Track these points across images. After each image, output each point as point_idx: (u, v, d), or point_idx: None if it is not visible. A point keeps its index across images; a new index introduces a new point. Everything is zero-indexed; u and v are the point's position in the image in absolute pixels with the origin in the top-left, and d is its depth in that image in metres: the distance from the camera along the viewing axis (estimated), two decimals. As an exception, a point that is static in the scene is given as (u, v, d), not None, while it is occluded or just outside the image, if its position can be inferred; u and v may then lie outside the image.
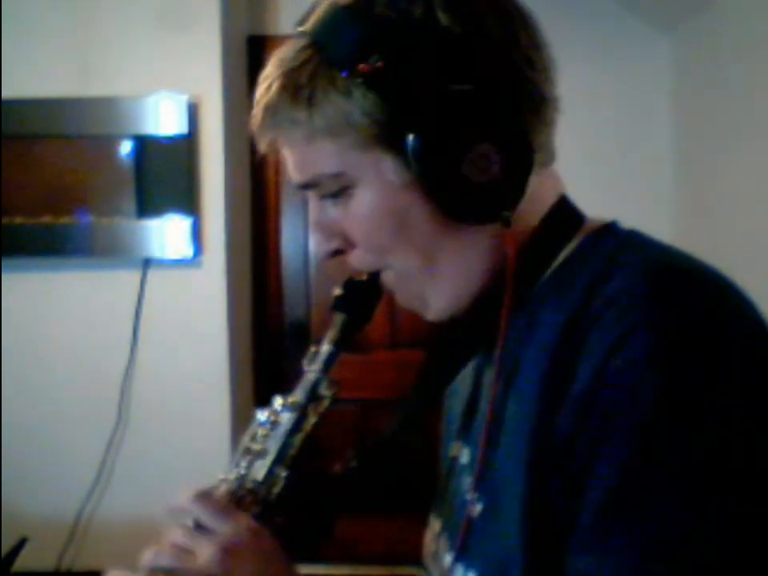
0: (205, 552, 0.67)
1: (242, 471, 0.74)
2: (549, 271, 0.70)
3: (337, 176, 0.69)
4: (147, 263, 2.56)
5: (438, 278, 0.71)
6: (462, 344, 0.77)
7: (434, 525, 0.81)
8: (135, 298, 2.56)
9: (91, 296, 2.60)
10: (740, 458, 0.55)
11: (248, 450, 0.74)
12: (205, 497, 0.71)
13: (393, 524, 3.02)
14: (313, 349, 0.76)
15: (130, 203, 2.52)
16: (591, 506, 0.57)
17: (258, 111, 0.72)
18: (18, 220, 2.53)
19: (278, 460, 0.73)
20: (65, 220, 2.53)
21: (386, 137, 0.66)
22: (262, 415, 0.75)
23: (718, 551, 0.53)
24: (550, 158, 0.72)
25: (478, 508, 0.67)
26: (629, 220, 0.75)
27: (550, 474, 0.59)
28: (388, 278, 0.74)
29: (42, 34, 2.55)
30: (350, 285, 0.77)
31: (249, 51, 2.96)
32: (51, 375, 2.61)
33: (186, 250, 2.54)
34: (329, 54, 0.67)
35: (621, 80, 2.90)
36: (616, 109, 2.89)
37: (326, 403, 0.75)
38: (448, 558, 0.71)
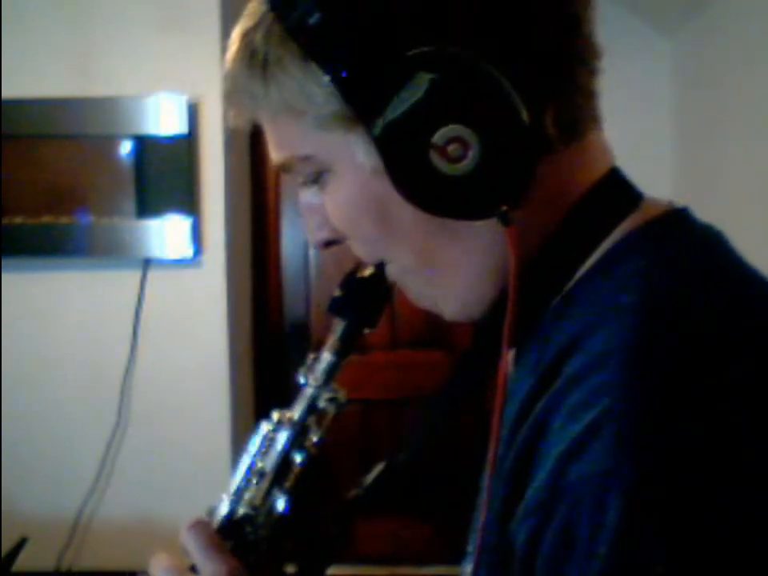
0: None
1: (240, 493, 0.68)
2: (578, 276, 0.58)
3: (307, 159, 0.59)
4: (147, 263, 2.56)
5: (439, 280, 0.61)
6: (485, 354, 0.66)
7: (469, 546, 0.70)
8: (135, 298, 2.56)
9: (91, 296, 2.61)
10: None
11: (250, 467, 0.69)
12: (196, 528, 0.65)
13: (393, 524, 3.02)
14: (311, 356, 0.68)
15: (129, 203, 2.52)
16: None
17: (225, 83, 0.61)
18: (18, 220, 2.53)
19: (276, 482, 0.67)
20: (65, 220, 2.53)
21: (347, 116, 0.55)
22: (264, 428, 0.69)
23: None
24: (582, 132, 0.59)
25: (468, 570, 0.60)
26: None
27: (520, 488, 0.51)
28: (392, 274, 0.64)
29: (43, 34, 2.55)
30: (351, 284, 0.66)
31: (249, 51, 2.95)
32: (51, 375, 2.61)
33: (186, 250, 2.54)
34: (283, 15, 0.55)
35: (621, 80, 2.90)
36: (616, 109, 2.89)
37: (329, 417, 0.68)
38: (468, 569, 0.65)
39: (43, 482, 2.62)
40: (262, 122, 0.61)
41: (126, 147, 2.52)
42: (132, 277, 2.56)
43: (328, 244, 0.64)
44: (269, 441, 0.68)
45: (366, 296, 0.66)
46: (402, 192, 0.55)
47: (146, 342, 2.59)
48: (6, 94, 2.50)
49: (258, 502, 0.67)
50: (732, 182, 2.44)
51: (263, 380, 3.00)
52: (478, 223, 0.56)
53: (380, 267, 0.64)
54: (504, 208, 0.54)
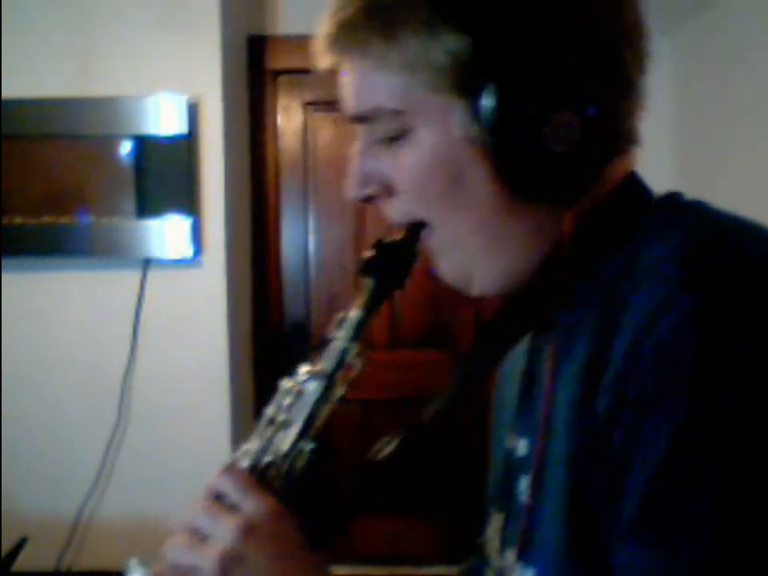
0: (224, 530, 0.64)
1: (266, 443, 0.69)
2: (617, 253, 0.64)
3: (396, 113, 0.63)
4: (147, 263, 2.56)
5: (486, 251, 0.65)
6: (514, 324, 0.70)
7: (496, 519, 0.75)
8: (135, 298, 2.56)
9: (91, 296, 2.61)
10: None
11: (272, 421, 0.69)
12: (231, 470, 0.68)
13: (393, 524, 3.02)
14: (340, 315, 0.70)
15: (129, 203, 2.52)
16: (632, 496, 0.53)
17: (329, 26, 0.64)
18: (18, 220, 2.53)
19: (304, 431, 0.68)
20: (65, 220, 2.53)
21: (463, 82, 0.60)
22: (286, 384, 0.70)
23: (757, 551, 0.50)
24: (631, 145, 0.66)
25: (534, 505, 0.64)
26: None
27: (590, 465, 0.56)
28: (432, 241, 0.68)
29: (42, 34, 2.55)
30: (383, 246, 0.70)
31: (249, 51, 2.96)
32: (51, 375, 2.61)
33: (185, 250, 2.54)
34: None
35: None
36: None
37: (354, 372, 0.69)
38: (510, 557, 0.68)
39: (43, 482, 2.62)
40: (348, 69, 0.65)
41: (126, 147, 2.51)
42: (132, 277, 2.56)
43: (366, 200, 0.69)
44: (296, 393, 0.69)
45: (395, 258, 0.69)
46: (501, 162, 0.60)
47: (146, 342, 2.59)
48: (6, 94, 2.50)
49: (285, 449, 0.68)
50: (732, 182, 2.44)
51: (263, 380, 3.00)
52: (542, 204, 0.62)
53: (415, 231, 0.68)
54: (574, 192, 0.61)
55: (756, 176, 2.28)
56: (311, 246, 3.07)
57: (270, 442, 0.69)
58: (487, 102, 0.59)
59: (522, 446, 0.70)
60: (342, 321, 0.70)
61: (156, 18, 2.55)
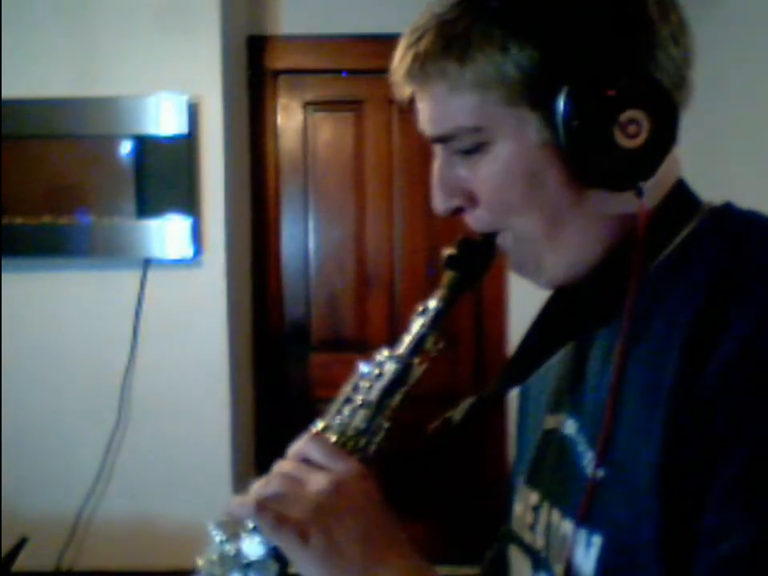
0: (316, 483, 0.66)
1: (343, 419, 0.72)
2: (668, 250, 0.70)
3: (476, 130, 0.69)
4: (147, 263, 2.56)
5: (558, 244, 0.71)
6: (575, 315, 0.76)
7: (529, 497, 0.79)
8: (135, 298, 2.56)
9: (91, 296, 2.61)
10: None
11: (349, 400, 0.73)
12: (319, 436, 0.70)
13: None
14: (420, 307, 0.75)
15: (129, 203, 2.52)
16: (731, 466, 0.58)
17: (404, 60, 0.70)
18: (18, 220, 2.53)
19: (380, 410, 0.71)
20: (65, 220, 2.53)
21: (536, 93, 0.66)
22: (365, 367, 0.73)
23: None
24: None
25: (600, 474, 0.67)
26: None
27: (687, 436, 0.60)
28: (505, 239, 0.73)
29: (43, 35, 2.56)
30: (464, 244, 0.75)
31: (249, 51, 2.96)
32: (51, 375, 2.61)
33: (186, 250, 2.54)
34: (486, 6, 0.66)
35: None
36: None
37: (430, 358, 0.73)
38: (567, 526, 0.71)
39: (43, 482, 2.62)
40: (426, 96, 0.70)
41: (126, 147, 2.52)
42: (132, 277, 2.56)
43: (454, 213, 0.74)
44: (375, 375, 0.72)
45: (475, 255, 0.75)
46: (576, 161, 0.66)
47: (146, 341, 2.59)
48: (6, 94, 2.50)
49: (362, 426, 0.71)
50: (733, 181, 2.44)
51: (263, 380, 3.00)
52: (612, 197, 0.68)
53: (491, 237, 0.73)
54: (642, 183, 0.67)
55: (757, 176, 2.28)
56: (311, 246, 3.07)
57: (348, 418, 0.72)
58: (560, 108, 0.65)
59: (569, 425, 0.75)
60: (423, 311, 0.74)
61: (156, 19, 2.55)
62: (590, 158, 0.66)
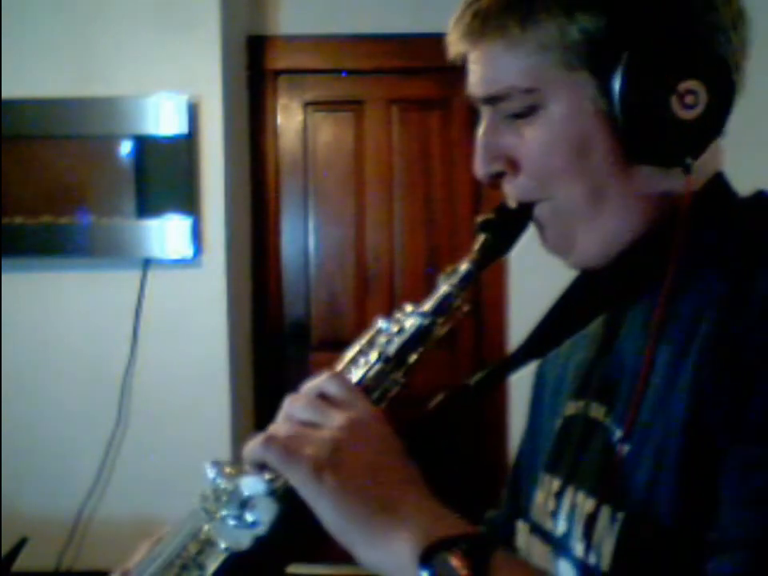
0: (333, 420, 0.63)
1: (359, 371, 0.69)
2: (704, 235, 0.70)
3: (529, 91, 0.67)
4: (147, 263, 2.56)
5: (596, 219, 0.70)
6: (601, 293, 0.75)
7: (551, 484, 0.78)
8: (135, 298, 2.56)
9: (91, 296, 2.61)
10: None
11: (362, 353, 0.70)
12: (339, 375, 0.68)
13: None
14: (449, 268, 0.72)
15: (129, 203, 2.52)
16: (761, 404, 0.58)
17: (462, 18, 0.69)
18: (18, 220, 2.53)
19: (398, 365, 0.69)
20: (65, 220, 2.53)
21: (596, 58, 0.66)
22: (383, 323, 0.70)
23: None
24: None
25: (626, 450, 0.67)
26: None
27: (713, 407, 0.60)
28: (543, 211, 0.72)
29: (43, 35, 2.56)
30: (502, 210, 0.74)
31: (249, 51, 2.96)
32: (51, 375, 2.61)
33: (185, 250, 2.54)
34: None
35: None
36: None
37: (455, 318, 0.71)
38: (591, 504, 0.70)
39: (43, 482, 2.62)
40: (479, 55, 0.69)
41: (126, 147, 2.52)
42: (132, 277, 2.56)
43: (496, 176, 0.72)
44: (393, 332, 0.70)
45: (509, 222, 0.73)
46: (629, 131, 0.65)
47: (146, 341, 2.59)
48: (5, 94, 2.50)
49: (377, 378, 0.68)
50: (733, 182, 2.43)
51: (263, 380, 3.00)
52: (656, 175, 0.68)
53: (528, 207, 0.72)
54: (689, 160, 0.66)
55: (757, 175, 2.28)
56: (311, 246, 3.07)
57: (362, 370, 0.69)
58: (620, 75, 0.65)
59: (595, 408, 0.74)
60: (452, 272, 0.72)
61: (156, 18, 2.55)
62: (643, 126, 0.65)
